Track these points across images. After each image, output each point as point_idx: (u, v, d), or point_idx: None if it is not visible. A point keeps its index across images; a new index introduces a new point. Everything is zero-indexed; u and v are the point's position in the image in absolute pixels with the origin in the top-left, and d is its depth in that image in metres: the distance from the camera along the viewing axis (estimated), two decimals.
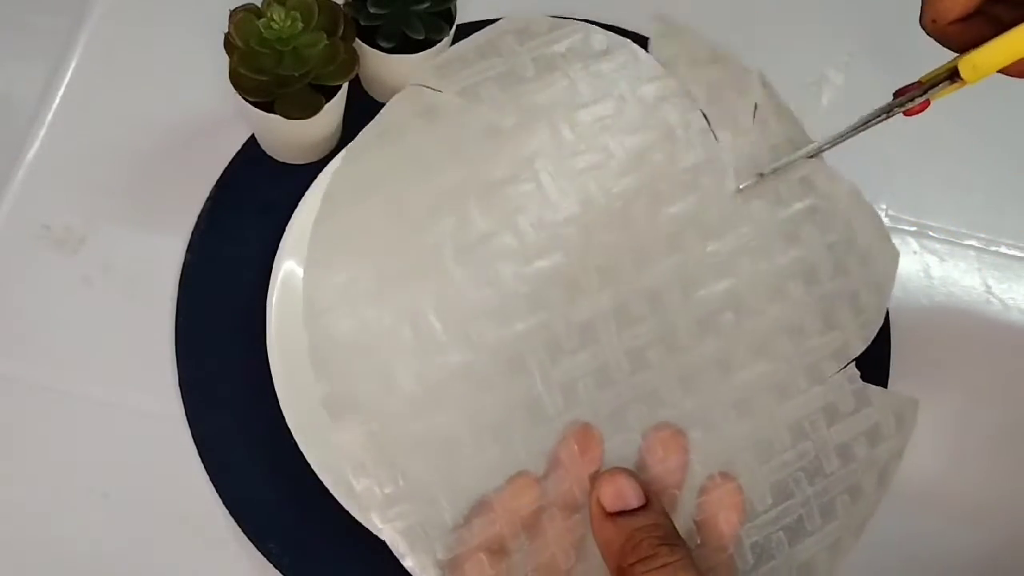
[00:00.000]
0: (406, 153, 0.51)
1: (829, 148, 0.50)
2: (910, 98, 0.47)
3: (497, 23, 0.53)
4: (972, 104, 0.51)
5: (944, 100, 0.46)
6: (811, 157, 0.52)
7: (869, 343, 0.55)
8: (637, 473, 0.49)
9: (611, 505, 0.47)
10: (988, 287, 0.66)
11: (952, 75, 0.45)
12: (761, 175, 0.53)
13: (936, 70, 0.46)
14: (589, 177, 0.52)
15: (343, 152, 0.50)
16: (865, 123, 0.48)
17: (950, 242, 0.67)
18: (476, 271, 0.49)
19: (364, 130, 0.50)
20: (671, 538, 0.46)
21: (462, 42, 0.52)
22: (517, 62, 0.53)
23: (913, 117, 0.47)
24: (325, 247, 0.49)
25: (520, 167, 0.51)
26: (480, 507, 0.46)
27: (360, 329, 0.48)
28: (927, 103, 0.47)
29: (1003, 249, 0.67)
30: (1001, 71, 0.45)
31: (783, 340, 0.54)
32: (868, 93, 0.51)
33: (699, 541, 0.50)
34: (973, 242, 0.67)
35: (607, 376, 0.50)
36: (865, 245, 0.56)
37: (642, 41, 0.68)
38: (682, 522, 0.50)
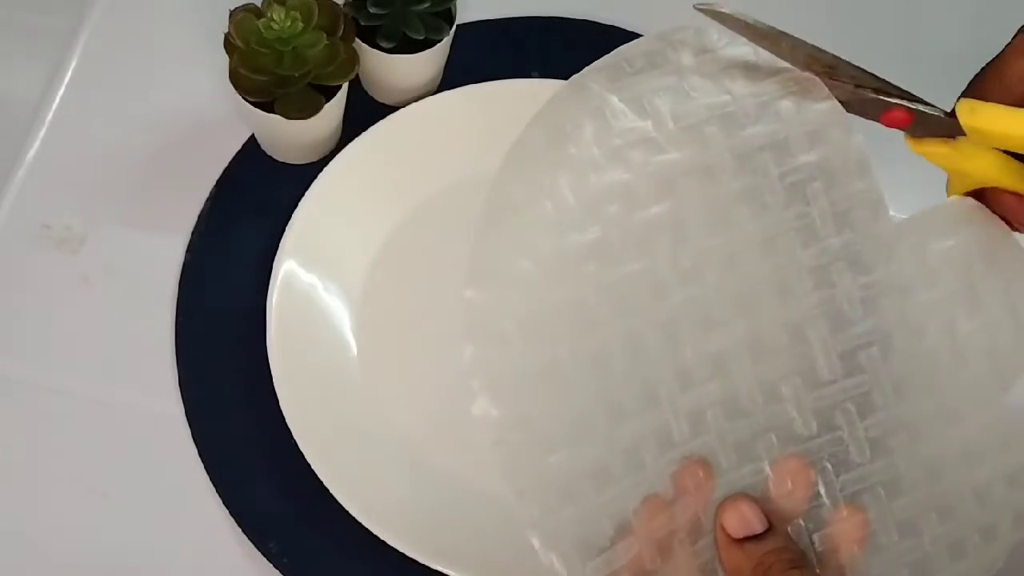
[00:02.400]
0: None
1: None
2: (893, 105, 0.47)
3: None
4: None
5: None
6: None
7: None
8: (762, 501, 0.49)
9: (736, 531, 0.47)
10: None
11: (950, 116, 0.45)
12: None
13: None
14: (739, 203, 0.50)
15: (511, 150, 0.47)
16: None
17: None
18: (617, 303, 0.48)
19: (528, 127, 0.47)
20: (800, 561, 0.46)
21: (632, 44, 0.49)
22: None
23: (891, 128, 0.47)
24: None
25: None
26: (621, 530, 0.47)
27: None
28: (906, 116, 0.46)
29: None
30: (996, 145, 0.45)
31: (943, 373, 0.51)
32: None
33: (819, 572, 0.49)
34: None
35: (736, 407, 0.49)
36: None
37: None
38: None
